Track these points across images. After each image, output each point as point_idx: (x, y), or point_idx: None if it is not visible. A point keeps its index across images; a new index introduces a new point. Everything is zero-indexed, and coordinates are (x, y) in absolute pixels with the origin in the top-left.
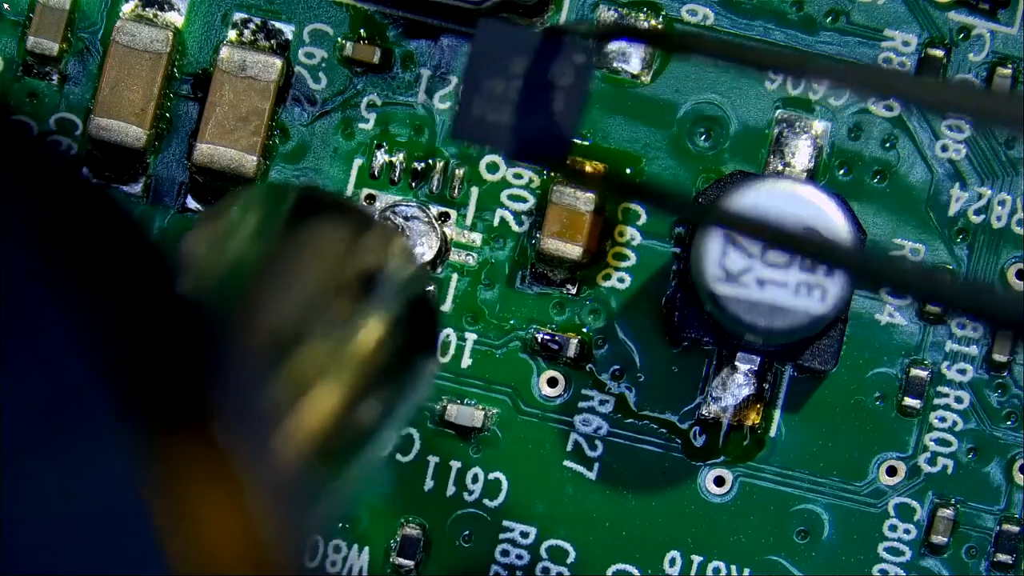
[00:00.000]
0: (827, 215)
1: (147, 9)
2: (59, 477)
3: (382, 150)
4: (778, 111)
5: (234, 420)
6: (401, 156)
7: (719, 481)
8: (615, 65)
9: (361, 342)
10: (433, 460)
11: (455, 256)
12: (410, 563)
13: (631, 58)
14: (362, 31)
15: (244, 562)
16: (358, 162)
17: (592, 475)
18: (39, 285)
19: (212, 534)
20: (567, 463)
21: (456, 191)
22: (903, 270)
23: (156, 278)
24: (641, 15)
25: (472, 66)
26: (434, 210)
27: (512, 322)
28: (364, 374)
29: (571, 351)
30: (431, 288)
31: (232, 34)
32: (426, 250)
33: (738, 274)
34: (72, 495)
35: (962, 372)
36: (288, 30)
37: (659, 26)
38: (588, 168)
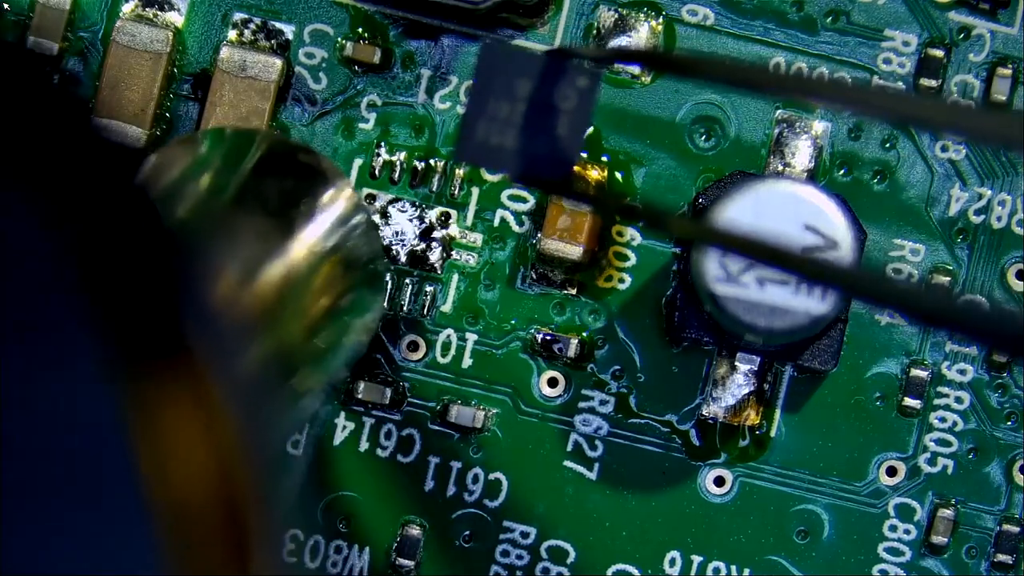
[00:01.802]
0: (827, 215)
1: (147, 9)
2: (42, 406)
3: (382, 150)
4: (778, 111)
5: (206, 345)
6: (401, 156)
7: (719, 481)
8: (616, 66)
9: (316, 275)
10: (433, 460)
11: (455, 256)
12: (410, 563)
13: None
14: (362, 31)
15: (212, 477)
16: (358, 162)
17: (592, 475)
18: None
19: (188, 456)
20: (567, 463)
21: (456, 191)
22: (898, 290)
23: (129, 198)
24: (641, 15)
25: (476, 89)
26: (435, 211)
27: (512, 322)
28: (320, 302)
29: (571, 351)
30: (379, 237)
31: (232, 34)
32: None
33: (738, 274)
34: (52, 424)
35: (962, 372)
36: (288, 30)
37: (659, 48)
38: (588, 169)
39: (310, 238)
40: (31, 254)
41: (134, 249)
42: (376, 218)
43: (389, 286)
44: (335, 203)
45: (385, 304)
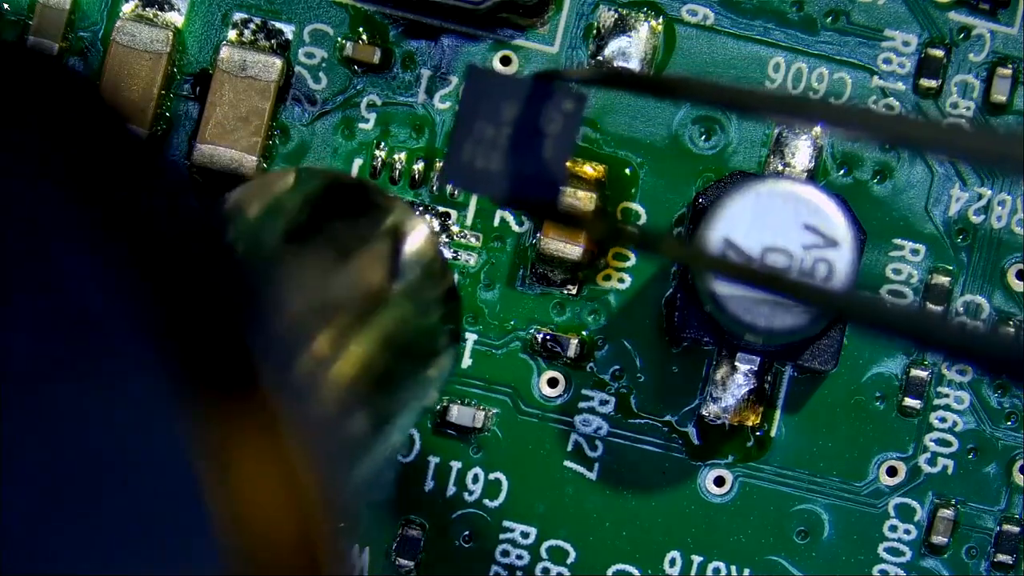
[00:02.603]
0: (827, 215)
1: (147, 9)
2: (110, 440)
3: (382, 149)
4: None
5: (276, 380)
6: (401, 156)
7: (719, 481)
8: (615, 65)
9: (387, 313)
10: (433, 460)
11: (456, 256)
12: (410, 563)
13: (632, 58)
14: (362, 31)
15: (288, 522)
16: (358, 162)
17: (592, 475)
18: (72, 235)
19: (257, 495)
20: (567, 463)
21: (457, 191)
22: (893, 313)
23: (201, 231)
24: (641, 15)
25: (462, 112)
26: (435, 211)
27: (512, 322)
28: (393, 343)
29: (571, 351)
30: (451, 273)
31: (232, 34)
32: None
33: None
34: (120, 457)
35: (962, 372)
36: (288, 30)
37: (648, 70)
38: (589, 170)
39: (386, 275)
40: (105, 288)
41: (209, 282)
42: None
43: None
44: (413, 242)
45: (458, 353)
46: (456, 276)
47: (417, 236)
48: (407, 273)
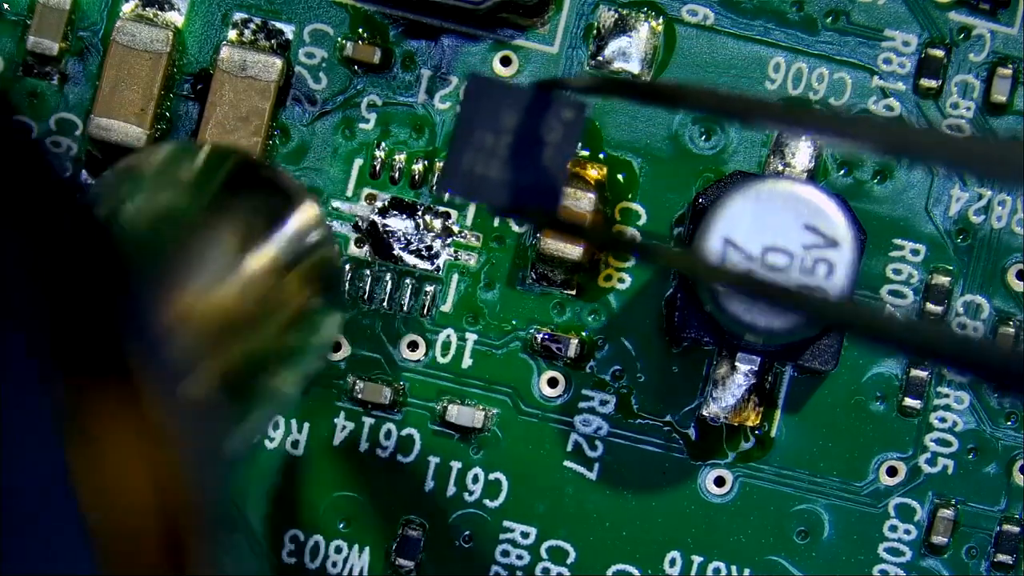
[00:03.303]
0: (827, 215)
1: (147, 9)
2: None
3: (382, 150)
4: None
5: (148, 365)
6: (402, 156)
7: (719, 481)
8: (616, 65)
9: (269, 297)
10: (433, 460)
11: (455, 256)
12: (410, 563)
13: (632, 58)
14: (362, 31)
15: (153, 515)
16: (358, 162)
17: (592, 475)
18: None
19: (125, 479)
20: (567, 463)
21: (455, 199)
22: (892, 326)
23: (70, 211)
24: (641, 15)
25: (462, 120)
26: (435, 210)
27: (513, 322)
28: (272, 325)
29: (571, 351)
30: (336, 250)
31: (232, 34)
32: None
33: None
34: None
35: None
36: (288, 30)
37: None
38: (593, 172)
39: (268, 254)
40: None
41: (79, 265)
42: (345, 226)
43: (345, 309)
44: (296, 218)
45: (342, 322)
46: (337, 248)
47: (303, 211)
48: (291, 249)
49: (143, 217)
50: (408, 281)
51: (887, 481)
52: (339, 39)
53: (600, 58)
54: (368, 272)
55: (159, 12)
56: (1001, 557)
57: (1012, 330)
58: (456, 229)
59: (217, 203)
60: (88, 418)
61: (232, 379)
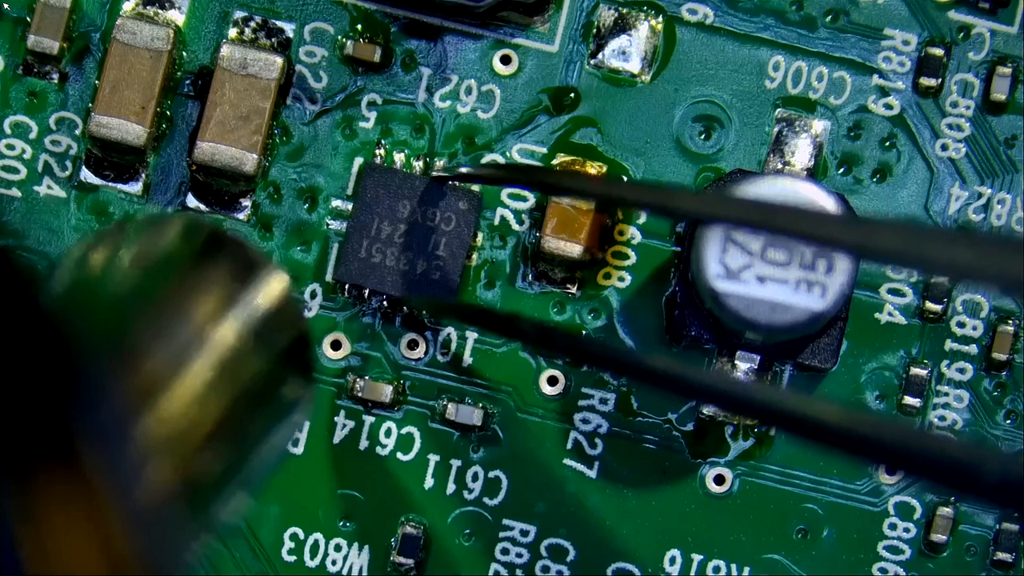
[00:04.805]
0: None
1: (148, 7)
2: None
3: (382, 148)
4: (778, 110)
5: (101, 454)
6: (402, 155)
7: (719, 480)
8: (615, 64)
9: (232, 378)
10: (433, 459)
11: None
12: (410, 562)
13: (631, 57)
14: (363, 29)
15: None
16: (359, 161)
17: (592, 474)
18: None
19: (74, 565)
20: (567, 462)
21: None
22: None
23: (19, 301)
24: (641, 14)
25: (360, 208)
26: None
27: None
28: (234, 411)
29: None
30: (304, 322)
31: (233, 32)
32: None
33: (738, 271)
34: None
35: (961, 371)
36: (289, 28)
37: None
38: (592, 171)
39: (234, 328)
40: None
41: (28, 352)
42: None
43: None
44: (261, 294)
45: (310, 403)
46: (307, 323)
47: (271, 285)
48: (258, 324)
49: (105, 293)
50: None
51: (887, 480)
52: (339, 37)
53: (600, 57)
54: None
55: (160, 10)
56: (1001, 555)
57: (1011, 329)
58: None
59: (182, 278)
60: (37, 505)
61: (195, 463)
